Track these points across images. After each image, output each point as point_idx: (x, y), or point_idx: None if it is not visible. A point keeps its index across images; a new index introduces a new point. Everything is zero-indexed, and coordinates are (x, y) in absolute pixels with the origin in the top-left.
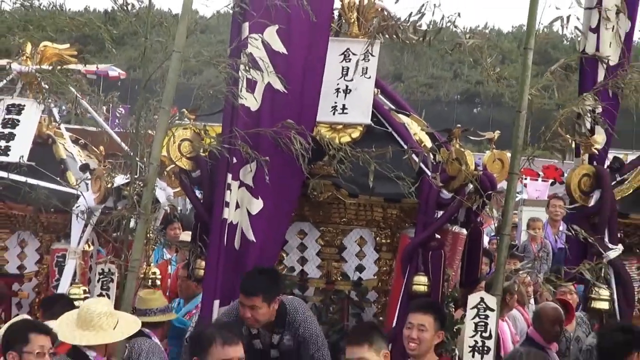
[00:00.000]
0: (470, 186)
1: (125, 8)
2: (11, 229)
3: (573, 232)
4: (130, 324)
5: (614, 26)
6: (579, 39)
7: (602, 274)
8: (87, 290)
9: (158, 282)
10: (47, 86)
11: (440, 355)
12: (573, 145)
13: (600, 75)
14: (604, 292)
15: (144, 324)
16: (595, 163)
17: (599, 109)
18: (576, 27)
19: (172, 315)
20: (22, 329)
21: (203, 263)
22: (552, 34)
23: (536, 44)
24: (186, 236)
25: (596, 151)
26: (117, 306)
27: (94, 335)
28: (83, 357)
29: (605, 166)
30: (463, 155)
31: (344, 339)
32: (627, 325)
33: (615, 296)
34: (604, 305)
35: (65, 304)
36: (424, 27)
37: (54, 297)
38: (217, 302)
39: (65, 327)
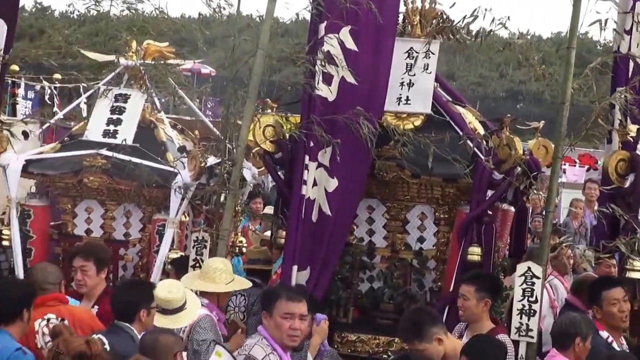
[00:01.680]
0: (519, 169)
1: (219, 12)
2: (118, 202)
3: (610, 210)
4: (241, 283)
5: None
6: (611, 42)
7: (636, 248)
8: (184, 255)
9: (244, 250)
10: (149, 78)
11: (495, 321)
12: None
13: (631, 69)
14: (638, 264)
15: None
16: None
17: (632, 102)
18: (614, 30)
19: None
20: (148, 289)
21: (284, 233)
22: (587, 40)
23: (578, 45)
24: (267, 209)
25: (630, 139)
26: None
27: (205, 284)
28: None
29: None
30: (512, 141)
31: (406, 301)
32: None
33: None
34: (638, 275)
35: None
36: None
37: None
38: (295, 267)
39: (188, 277)
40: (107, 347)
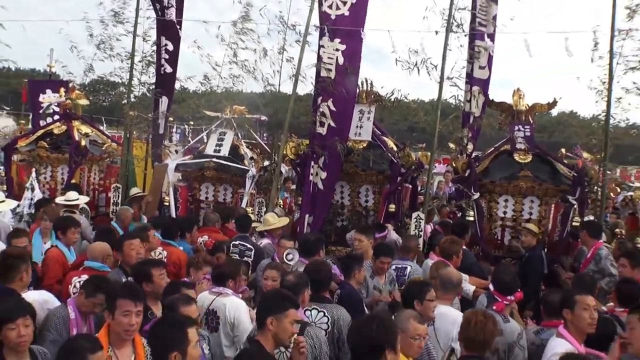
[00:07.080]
0: (413, 167)
1: (269, 91)
2: (221, 183)
3: (460, 187)
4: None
5: (477, 99)
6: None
7: (471, 205)
8: (252, 210)
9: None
10: (236, 125)
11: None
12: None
13: (471, 120)
14: (471, 213)
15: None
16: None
17: (470, 135)
18: (459, 99)
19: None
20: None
21: (300, 198)
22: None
23: (441, 106)
24: (293, 187)
25: (469, 152)
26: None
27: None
28: None
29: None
30: (409, 153)
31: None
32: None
33: (476, 214)
34: (470, 219)
35: None
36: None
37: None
38: (307, 215)
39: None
40: None
